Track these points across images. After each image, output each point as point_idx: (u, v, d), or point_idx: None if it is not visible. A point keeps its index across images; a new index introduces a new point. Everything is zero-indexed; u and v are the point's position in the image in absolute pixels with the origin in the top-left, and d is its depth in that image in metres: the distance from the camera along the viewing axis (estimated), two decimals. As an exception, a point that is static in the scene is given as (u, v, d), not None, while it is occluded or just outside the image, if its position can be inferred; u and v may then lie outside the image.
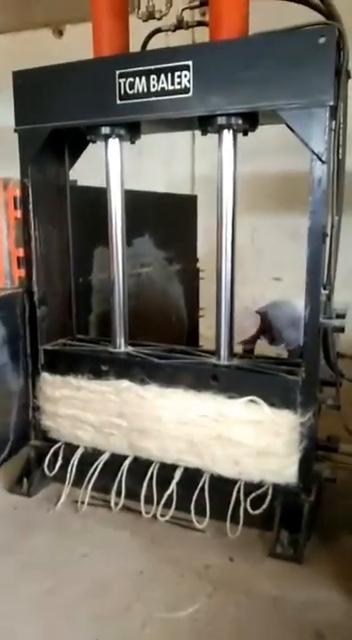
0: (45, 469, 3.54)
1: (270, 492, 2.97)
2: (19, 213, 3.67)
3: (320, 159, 2.71)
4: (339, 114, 2.81)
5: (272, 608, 2.58)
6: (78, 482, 3.42)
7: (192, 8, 3.20)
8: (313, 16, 2.88)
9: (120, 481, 3.29)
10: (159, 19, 3.17)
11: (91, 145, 3.48)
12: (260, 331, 4.02)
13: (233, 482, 3.04)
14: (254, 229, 6.16)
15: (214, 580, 2.77)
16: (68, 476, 3.44)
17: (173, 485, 3.15)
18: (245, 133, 3.10)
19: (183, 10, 3.18)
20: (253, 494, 3.00)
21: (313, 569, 2.81)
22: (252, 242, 6.21)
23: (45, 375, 3.53)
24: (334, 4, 2.84)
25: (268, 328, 4.01)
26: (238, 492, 3.01)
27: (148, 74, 2.96)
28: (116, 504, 3.28)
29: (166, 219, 4.79)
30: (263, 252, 6.21)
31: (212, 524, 3.10)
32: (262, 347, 4.30)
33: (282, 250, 5.86)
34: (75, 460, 3.46)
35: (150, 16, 3.15)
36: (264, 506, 2.96)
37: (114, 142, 3.29)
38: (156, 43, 3.31)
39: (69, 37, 6.64)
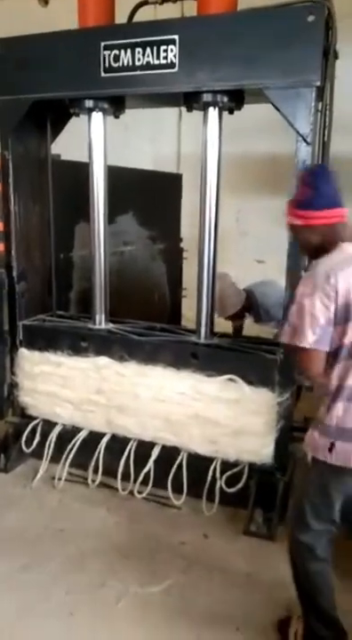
0: (23, 446, 3.53)
1: (246, 470, 3.01)
2: (-2, 187, 3.58)
3: (305, 140, 2.69)
4: (325, 95, 2.79)
5: (245, 584, 2.64)
6: (56, 458, 3.43)
7: (180, -20, 3.12)
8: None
9: (98, 458, 3.31)
10: (145, -11, 3.08)
11: (76, 118, 3.41)
12: (245, 308, 4.00)
13: (209, 460, 3.07)
14: (239, 211, 6.12)
15: (189, 557, 2.81)
16: (46, 452, 3.45)
17: (151, 463, 3.17)
18: (231, 112, 3.06)
19: (171, -19, 3.11)
20: (229, 472, 3.03)
21: (285, 547, 2.85)
22: (237, 223, 6.19)
23: (24, 351, 3.50)
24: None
25: (254, 306, 4.00)
26: (214, 470, 3.04)
27: (133, 47, 2.90)
28: (94, 481, 3.30)
29: (151, 197, 4.73)
30: (247, 234, 6.19)
31: (188, 502, 3.14)
32: (251, 327, 4.30)
33: (266, 232, 5.84)
34: (53, 436, 3.46)
35: (137, -14, 3.06)
36: (240, 485, 2.99)
37: (97, 116, 3.23)
38: (145, 16, 3.23)
39: (55, 5, 6.45)
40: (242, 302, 3.96)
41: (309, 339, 1.92)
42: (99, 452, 3.32)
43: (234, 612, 2.47)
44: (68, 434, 3.44)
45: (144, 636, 2.35)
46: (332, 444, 1.94)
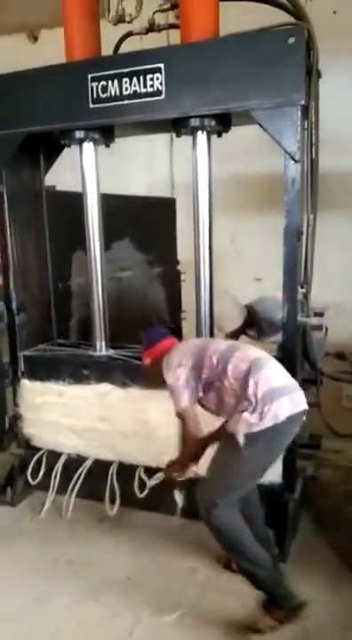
0: (29, 478, 3.50)
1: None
2: (-6, 219, 3.61)
3: (293, 158, 2.72)
4: (310, 113, 2.84)
5: (259, 608, 2.57)
6: (63, 489, 3.39)
7: (163, 11, 3.20)
8: (282, 18, 2.90)
9: (110, 486, 3.27)
10: (129, 22, 3.17)
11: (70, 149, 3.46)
12: (247, 324, 3.96)
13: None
14: (234, 231, 6.16)
15: (201, 583, 2.77)
16: (52, 483, 3.41)
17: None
18: (219, 135, 3.10)
19: (154, 13, 3.19)
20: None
21: (297, 567, 2.81)
22: (232, 243, 6.22)
23: (26, 382, 3.50)
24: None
25: (255, 322, 3.97)
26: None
27: (120, 77, 2.96)
28: (100, 520, 3.26)
29: (145, 222, 4.76)
30: (243, 253, 6.20)
31: (201, 526, 3.08)
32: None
33: (262, 251, 5.83)
34: (58, 467, 3.43)
35: (120, 20, 3.15)
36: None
37: (88, 146, 3.28)
38: (132, 47, 3.30)
39: (44, 42, 6.60)
40: (243, 318, 3.92)
41: None
42: (111, 481, 3.27)
43: (248, 636, 2.41)
44: (74, 463, 3.41)
45: None
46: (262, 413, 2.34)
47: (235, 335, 4.08)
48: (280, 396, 2.37)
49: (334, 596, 2.63)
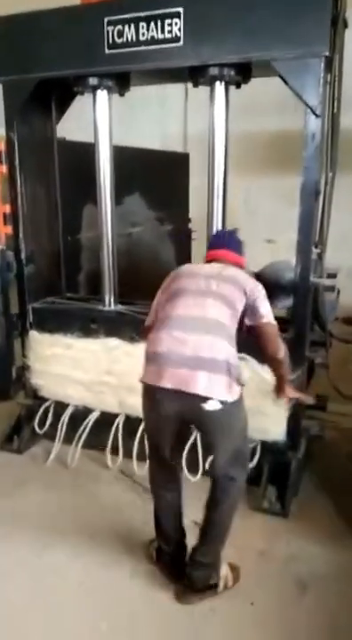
0: (36, 427, 3.56)
1: (258, 448, 3.01)
2: (4, 168, 3.55)
3: (314, 113, 2.64)
4: (334, 65, 2.73)
5: (258, 561, 2.65)
6: (69, 439, 3.45)
7: None
8: None
9: (113, 438, 3.31)
10: None
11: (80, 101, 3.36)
12: None
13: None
14: (247, 190, 6.06)
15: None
16: (59, 433, 3.46)
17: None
18: (238, 86, 3.00)
19: None
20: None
21: (298, 524, 2.87)
22: (245, 203, 6.12)
23: (34, 333, 3.51)
24: None
25: (263, 285, 3.91)
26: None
27: (137, 21, 2.85)
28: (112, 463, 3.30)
29: (157, 177, 4.69)
30: (256, 214, 6.13)
31: (204, 480, 3.14)
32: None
33: (276, 212, 5.78)
34: (65, 417, 3.48)
35: None
36: (253, 463, 2.99)
37: (102, 94, 3.18)
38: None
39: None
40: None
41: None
42: (115, 433, 3.31)
43: (249, 587, 2.48)
44: (80, 415, 3.45)
45: (155, 611, 2.38)
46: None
47: None
48: (149, 363, 2.26)
49: (332, 550, 2.69)
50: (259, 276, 3.89)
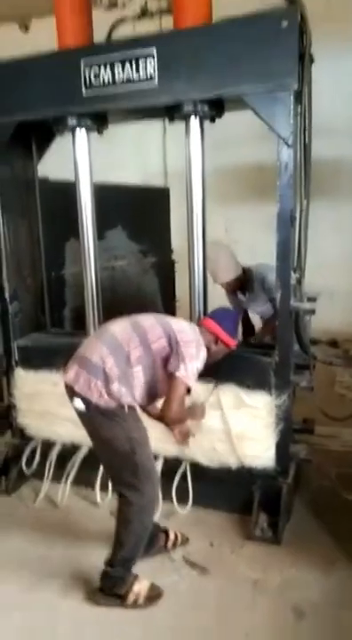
0: (23, 467, 3.51)
1: (248, 476, 2.99)
2: (-14, 209, 3.60)
3: (286, 143, 2.72)
4: (304, 98, 2.83)
5: (253, 590, 2.60)
6: (57, 477, 3.40)
7: (155, -4, 3.19)
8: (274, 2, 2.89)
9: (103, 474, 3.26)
10: (122, 8, 3.14)
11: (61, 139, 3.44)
12: (241, 282, 3.91)
13: (210, 468, 3.05)
14: (228, 220, 6.17)
15: (195, 565, 2.78)
16: (47, 472, 3.42)
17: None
18: (212, 120, 3.09)
19: (146, -2, 3.17)
20: (232, 480, 3.01)
21: (291, 550, 2.84)
22: (227, 232, 6.23)
23: (20, 371, 3.49)
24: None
25: (250, 283, 3.92)
26: (216, 477, 3.02)
27: (112, 63, 2.94)
28: (96, 502, 3.25)
29: (139, 211, 4.76)
30: (238, 242, 6.21)
31: (192, 511, 3.11)
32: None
33: (256, 239, 5.85)
34: (53, 456, 3.44)
35: (112, 5, 3.12)
36: (242, 491, 2.98)
37: (81, 133, 3.26)
38: (124, 33, 3.28)
39: (36, 31, 6.56)
40: (237, 273, 3.86)
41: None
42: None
43: (242, 618, 2.44)
44: (69, 452, 3.41)
45: (151, 634, 2.34)
46: None
47: (228, 289, 4.02)
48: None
49: (328, 577, 2.66)
50: (246, 271, 3.92)
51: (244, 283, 3.91)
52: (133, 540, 2.53)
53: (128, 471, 2.48)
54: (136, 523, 2.51)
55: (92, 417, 2.49)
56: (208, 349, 2.62)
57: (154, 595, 2.55)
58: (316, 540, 2.91)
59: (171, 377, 2.48)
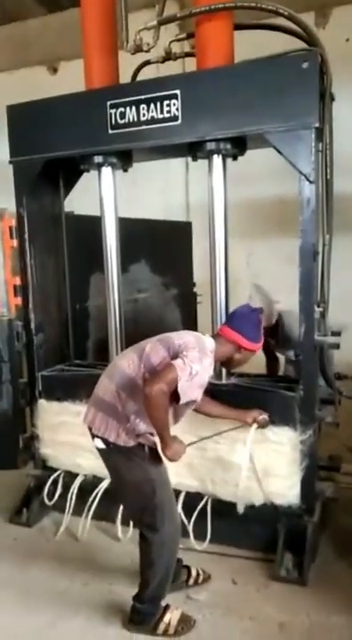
0: (45, 499, 3.50)
1: (273, 514, 2.93)
2: (15, 243, 3.70)
3: (308, 179, 2.76)
4: (325, 135, 2.88)
5: (278, 634, 2.52)
6: (78, 510, 3.38)
7: (179, 40, 3.31)
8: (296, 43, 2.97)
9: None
10: (147, 51, 3.26)
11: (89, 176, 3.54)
12: (273, 329, 3.88)
13: (233, 504, 3.00)
14: (250, 254, 6.21)
15: (219, 605, 2.72)
16: (68, 504, 3.40)
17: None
18: (235, 158, 3.16)
19: (171, 42, 3.28)
20: (255, 517, 2.95)
21: (318, 591, 2.75)
22: (249, 266, 6.26)
23: (43, 402, 3.52)
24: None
25: (279, 330, 3.89)
26: (239, 514, 2.97)
27: (137, 103, 3.05)
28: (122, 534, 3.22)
29: (162, 245, 4.84)
30: (259, 276, 6.23)
31: (214, 548, 3.05)
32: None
33: (278, 273, 5.86)
34: (74, 488, 3.42)
35: (138, 49, 3.24)
36: (266, 528, 2.92)
37: (106, 171, 3.36)
38: (149, 75, 3.41)
39: (63, 73, 6.83)
40: (268, 322, 3.83)
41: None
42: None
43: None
44: (90, 484, 3.40)
45: None
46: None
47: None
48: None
49: (356, 621, 2.56)
50: (278, 319, 3.90)
51: (273, 328, 3.91)
52: (158, 578, 2.51)
53: (147, 512, 2.47)
54: (158, 562, 2.49)
55: (112, 456, 2.51)
56: (231, 359, 2.58)
57: (185, 624, 2.55)
58: (343, 581, 2.82)
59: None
